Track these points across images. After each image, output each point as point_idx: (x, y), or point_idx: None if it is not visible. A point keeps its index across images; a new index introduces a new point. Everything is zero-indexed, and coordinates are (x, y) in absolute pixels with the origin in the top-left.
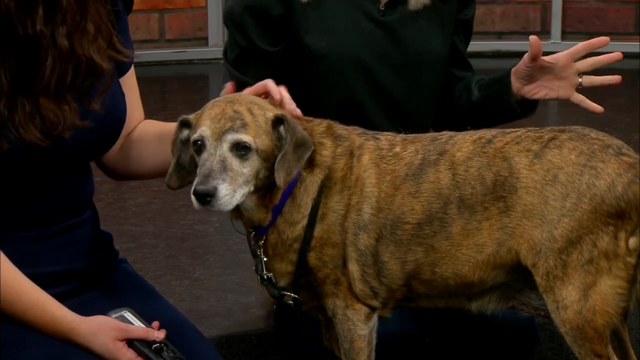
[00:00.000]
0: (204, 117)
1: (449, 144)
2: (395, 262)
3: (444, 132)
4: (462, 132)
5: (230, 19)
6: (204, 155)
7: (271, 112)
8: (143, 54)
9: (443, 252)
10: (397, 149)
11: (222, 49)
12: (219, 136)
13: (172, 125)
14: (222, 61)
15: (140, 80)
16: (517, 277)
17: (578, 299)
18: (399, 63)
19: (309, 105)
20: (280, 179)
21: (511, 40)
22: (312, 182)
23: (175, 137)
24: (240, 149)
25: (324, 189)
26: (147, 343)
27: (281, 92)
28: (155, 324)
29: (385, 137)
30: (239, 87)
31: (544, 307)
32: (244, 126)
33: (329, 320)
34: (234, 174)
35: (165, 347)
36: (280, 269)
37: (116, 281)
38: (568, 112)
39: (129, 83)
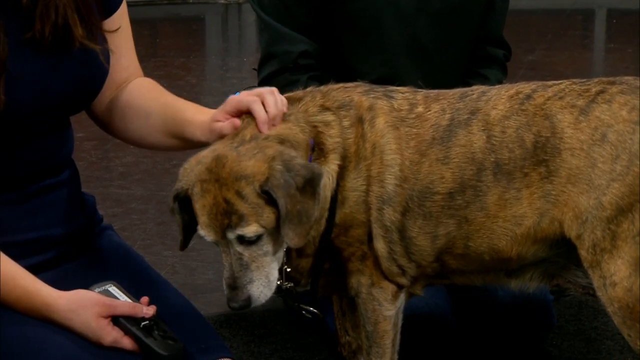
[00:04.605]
0: (200, 211)
1: (481, 101)
2: (425, 238)
3: (474, 87)
4: (496, 87)
5: None
6: (222, 253)
7: (259, 177)
8: None
9: (477, 225)
10: (420, 108)
11: None
12: (223, 235)
13: (167, 101)
14: (221, 1)
15: None
16: (562, 251)
17: (628, 275)
18: (437, 10)
19: (338, 54)
20: (292, 240)
21: None
22: (328, 173)
23: (173, 212)
24: (249, 239)
25: (340, 171)
26: (135, 320)
27: (268, 110)
28: (144, 299)
29: (403, 96)
30: (275, 40)
31: (592, 285)
32: (241, 218)
33: (345, 307)
34: (258, 263)
35: (155, 325)
36: (303, 265)
37: (100, 251)
38: (616, 60)
39: (119, 24)
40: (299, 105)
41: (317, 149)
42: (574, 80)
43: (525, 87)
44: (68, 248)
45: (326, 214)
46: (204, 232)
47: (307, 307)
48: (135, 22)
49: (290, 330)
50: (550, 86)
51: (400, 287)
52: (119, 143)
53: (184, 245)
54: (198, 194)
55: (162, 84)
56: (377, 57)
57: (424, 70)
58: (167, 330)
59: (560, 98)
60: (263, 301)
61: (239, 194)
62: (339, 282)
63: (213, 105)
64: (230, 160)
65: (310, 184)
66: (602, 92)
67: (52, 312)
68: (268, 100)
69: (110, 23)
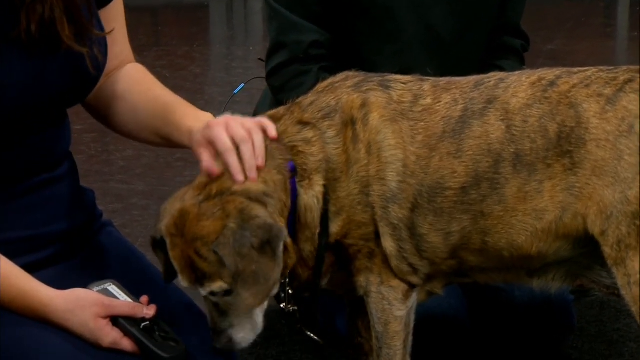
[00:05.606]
0: (172, 260)
1: (499, 89)
2: (437, 234)
3: (491, 74)
4: (515, 73)
5: None
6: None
7: (212, 237)
8: None
9: (495, 219)
10: (428, 100)
11: None
12: (195, 286)
13: (155, 96)
14: None
15: (127, 9)
16: (585, 251)
17: None
18: None
19: (350, 44)
20: (246, 301)
21: None
22: (313, 197)
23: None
24: (219, 293)
25: (328, 187)
26: (135, 321)
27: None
28: (145, 298)
29: (404, 86)
30: (285, 29)
31: (617, 285)
32: (204, 276)
33: (356, 307)
34: (234, 310)
35: (156, 326)
36: (304, 275)
37: (99, 248)
38: None
39: (114, 11)
40: (279, 127)
41: (299, 170)
42: (601, 67)
43: (549, 73)
44: (66, 245)
45: (317, 231)
46: (180, 278)
47: (310, 335)
48: (136, 10)
49: (298, 333)
50: (576, 73)
51: (412, 286)
52: (120, 136)
53: (166, 279)
54: (169, 245)
55: (165, 74)
56: (390, 47)
57: (439, 61)
58: (168, 331)
59: (587, 86)
60: (247, 344)
61: (198, 254)
62: (349, 282)
63: (218, 96)
64: (191, 219)
65: (269, 245)
66: (630, 80)
67: (49, 313)
68: (243, 150)
69: (106, 13)
